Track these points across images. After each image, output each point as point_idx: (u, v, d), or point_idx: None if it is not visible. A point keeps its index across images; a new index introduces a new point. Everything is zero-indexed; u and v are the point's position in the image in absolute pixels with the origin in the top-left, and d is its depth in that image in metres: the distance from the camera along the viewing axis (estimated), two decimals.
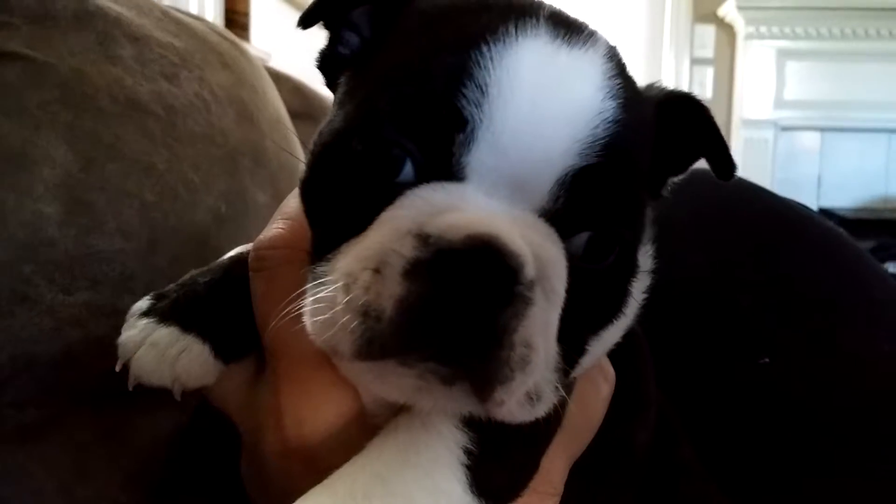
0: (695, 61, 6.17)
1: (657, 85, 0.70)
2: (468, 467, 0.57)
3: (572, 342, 0.58)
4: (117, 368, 0.68)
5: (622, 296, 0.64)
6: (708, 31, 6.17)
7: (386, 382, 0.57)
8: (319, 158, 0.63)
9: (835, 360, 0.98)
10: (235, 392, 0.71)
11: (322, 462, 0.61)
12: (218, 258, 0.83)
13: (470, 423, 0.59)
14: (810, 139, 5.91)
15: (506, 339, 0.50)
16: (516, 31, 0.56)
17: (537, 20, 0.58)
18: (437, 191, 0.54)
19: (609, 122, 0.55)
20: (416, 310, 0.49)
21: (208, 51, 1.17)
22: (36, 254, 0.79)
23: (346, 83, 0.67)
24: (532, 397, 0.55)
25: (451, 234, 0.50)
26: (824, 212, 5.70)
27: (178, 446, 0.88)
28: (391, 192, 0.55)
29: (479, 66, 0.54)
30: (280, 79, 1.64)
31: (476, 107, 0.53)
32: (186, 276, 0.73)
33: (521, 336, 0.51)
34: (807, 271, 1.04)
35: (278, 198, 1.17)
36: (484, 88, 0.53)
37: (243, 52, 1.32)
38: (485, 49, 0.55)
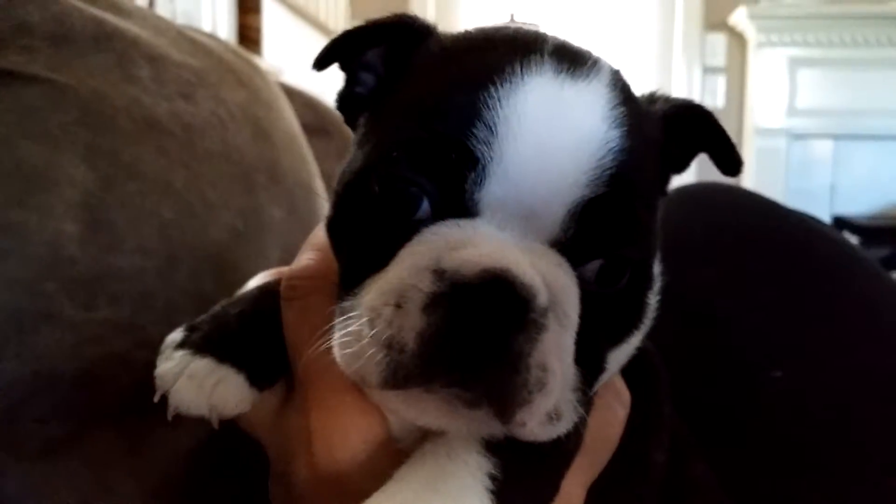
0: (706, 70, 6.17)
1: (660, 95, 0.72)
2: (493, 492, 0.59)
3: (590, 362, 0.61)
4: (156, 399, 0.70)
5: (638, 312, 0.67)
6: (719, 40, 6.16)
7: (414, 408, 0.61)
8: (342, 198, 0.66)
9: (848, 374, 0.98)
10: (265, 417, 0.73)
11: (352, 486, 0.62)
12: (235, 274, 0.84)
13: (493, 449, 0.61)
14: (823, 147, 5.89)
15: (521, 364, 0.53)
16: (521, 69, 0.59)
17: (542, 56, 0.61)
18: (452, 227, 0.57)
19: (614, 152, 0.58)
20: (435, 341, 0.53)
21: (224, 69, 1.19)
22: (57, 272, 0.80)
23: (365, 123, 0.71)
24: (552, 417, 0.57)
25: (466, 269, 0.53)
26: (838, 220, 5.67)
27: (201, 460, 0.89)
28: (409, 229, 0.59)
29: (488, 106, 0.57)
30: (292, 94, 1.66)
31: (486, 146, 0.56)
32: (217, 308, 0.75)
33: (537, 360, 0.54)
34: (818, 286, 1.04)
35: (294, 214, 1.19)
36: (492, 127, 0.56)
37: (258, 71, 1.33)
38: (492, 89, 0.58)
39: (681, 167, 0.75)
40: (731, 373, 1.02)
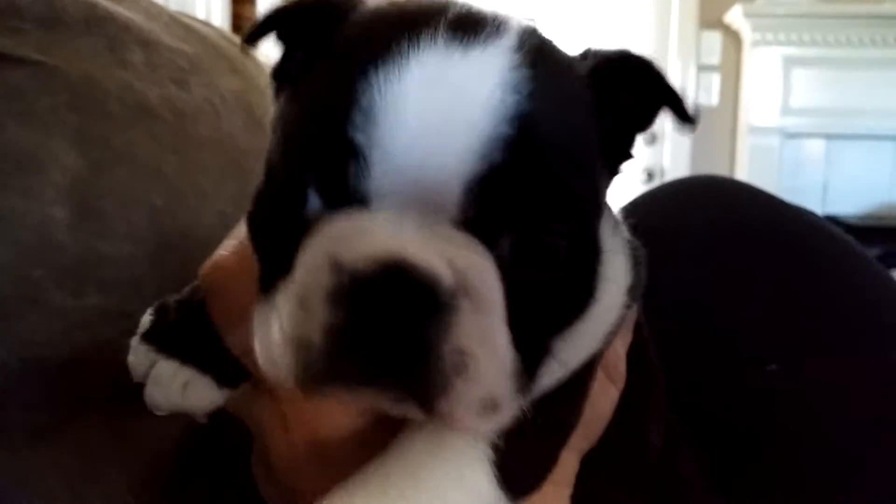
0: (701, 68, 6.17)
1: (594, 50, 0.67)
2: (495, 462, 0.59)
3: (530, 348, 0.57)
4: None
5: (582, 286, 0.62)
6: (714, 38, 6.16)
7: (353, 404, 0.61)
8: (255, 193, 0.64)
9: (844, 369, 0.98)
10: (240, 398, 0.72)
11: (334, 458, 0.61)
12: None
13: None
14: (816, 146, 5.90)
15: (432, 352, 0.50)
16: (410, 48, 0.55)
17: (436, 29, 0.57)
18: (345, 219, 0.54)
19: (514, 118, 0.54)
20: (340, 336, 0.51)
21: (217, 56, 1.18)
22: (45, 258, 0.79)
23: (277, 108, 0.67)
24: (487, 406, 0.54)
25: (360, 262, 0.51)
26: (830, 219, 5.64)
27: (189, 448, 0.88)
28: (302, 226, 0.56)
29: (370, 91, 0.54)
30: None
31: (364, 133, 0.53)
32: (187, 291, 0.74)
33: (451, 345, 0.51)
34: (815, 281, 1.04)
35: None
36: (372, 113, 0.53)
37: (252, 58, 1.32)
38: (374, 71, 0.54)
39: (641, 123, 0.70)
40: (726, 366, 1.02)
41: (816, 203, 5.80)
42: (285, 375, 0.54)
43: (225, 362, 0.69)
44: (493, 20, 0.60)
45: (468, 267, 0.52)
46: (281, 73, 0.70)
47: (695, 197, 1.13)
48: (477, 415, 0.54)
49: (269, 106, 1.26)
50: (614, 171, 0.70)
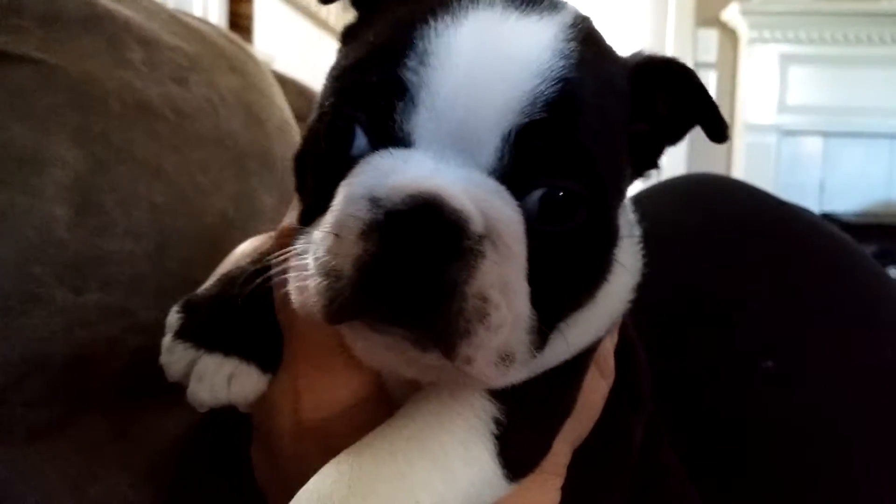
0: (698, 65, 6.16)
1: (644, 51, 0.70)
2: (497, 437, 0.60)
3: (545, 305, 0.58)
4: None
5: (598, 261, 0.64)
6: (711, 36, 6.17)
7: (370, 350, 0.61)
8: (305, 135, 0.66)
9: (839, 366, 0.98)
10: None
11: (337, 442, 0.62)
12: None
13: (497, 395, 0.61)
14: (813, 144, 5.91)
15: (457, 292, 0.52)
16: (469, 2, 0.58)
17: None
18: (387, 157, 0.56)
19: (555, 81, 0.56)
20: (370, 268, 0.52)
21: (216, 54, 1.18)
22: (47, 255, 0.80)
23: (336, 59, 0.70)
24: (504, 357, 0.55)
25: (395, 196, 0.52)
26: (827, 217, 5.68)
27: (189, 445, 0.88)
28: (348, 163, 0.58)
29: (423, 37, 0.56)
30: (285, 81, 1.65)
31: (416, 75, 0.55)
32: (213, 285, 0.73)
33: (474, 289, 0.52)
34: (813, 278, 1.05)
35: (285, 200, 1.18)
36: (424, 56, 0.56)
37: (251, 56, 1.32)
38: (432, 21, 0.57)
39: (674, 135, 0.72)
40: (723, 362, 1.03)
41: (813, 200, 5.81)
42: (315, 305, 0.55)
43: (267, 347, 0.70)
44: (557, 1, 0.64)
45: (497, 215, 0.54)
46: (348, 32, 0.72)
47: (693, 195, 1.13)
48: (493, 364, 0.55)
49: (267, 104, 1.27)
50: (637, 173, 0.72)
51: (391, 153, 0.56)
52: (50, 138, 0.83)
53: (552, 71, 0.56)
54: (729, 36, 6.13)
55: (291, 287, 0.58)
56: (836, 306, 1.03)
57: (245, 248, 0.81)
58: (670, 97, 0.68)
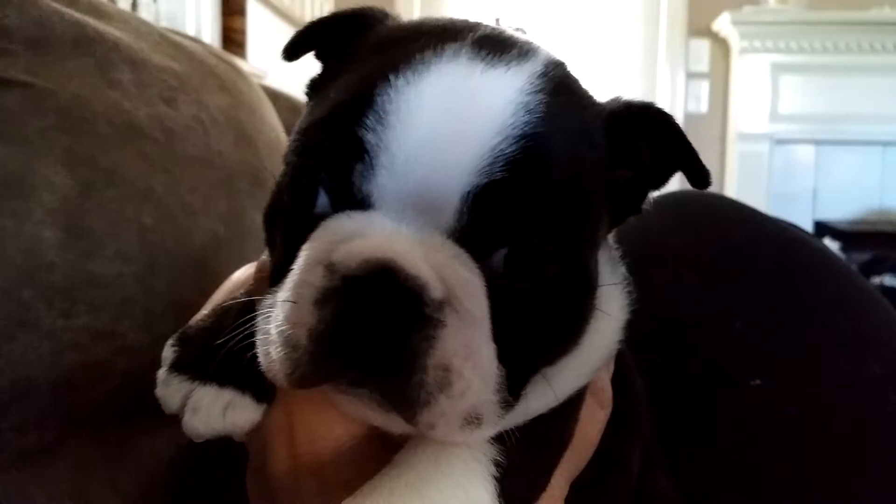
0: (690, 75, 6.19)
1: (621, 98, 0.68)
2: (497, 478, 0.59)
3: (515, 363, 0.58)
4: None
5: (573, 312, 0.63)
6: (703, 46, 6.19)
7: (343, 402, 0.62)
8: (273, 189, 0.65)
9: (827, 382, 0.98)
10: None
11: (332, 478, 0.61)
12: (216, 280, 0.83)
13: (496, 436, 0.60)
14: (805, 152, 5.92)
15: (417, 362, 0.52)
16: (432, 57, 0.57)
17: (462, 43, 0.59)
18: (344, 220, 0.56)
19: (518, 138, 0.55)
20: (325, 337, 0.52)
21: (206, 74, 1.18)
22: (35, 278, 0.79)
23: (303, 114, 0.69)
24: (469, 420, 0.55)
25: (350, 261, 0.52)
26: (819, 224, 5.71)
27: (180, 468, 0.88)
28: (311, 223, 0.57)
29: (384, 95, 0.55)
30: (277, 97, 1.65)
31: (374, 134, 0.54)
32: (207, 316, 0.73)
33: (436, 359, 0.52)
34: (798, 296, 1.05)
35: None
36: (383, 116, 0.55)
37: (241, 75, 1.33)
38: (393, 78, 0.56)
39: (657, 180, 0.71)
40: (709, 380, 1.02)
41: (807, 209, 5.82)
42: (277, 372, 0.55)
43: (263, 378, 0.70)
44: (522, 46, 0.62)
45: (457, 280, 0.53)
46: (315, 85, 0.72)
47: (679, 213, 1.13)
48: (459, 427, 0.55)
49: (257, 123, 1.27)
50: (618, 219, 0.71)
51: (349, 216, 0.56)
52: (38, 161, 0.82)
53: (514, 128, 0.55)
54: (721, 46, 6.16)
55: (259, 350, 0.58)
56: (822, 323, 1.03)
57: (239, 277, 0.81)
58: (651, 144, 0.67)
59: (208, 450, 0.81)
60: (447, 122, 0.55)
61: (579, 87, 0.66)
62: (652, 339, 0.76)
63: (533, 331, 0.59)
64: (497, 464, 0.60)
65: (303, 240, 0.57)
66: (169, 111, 1.03)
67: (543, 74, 0.60)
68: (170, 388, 0.68)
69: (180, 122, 1.04)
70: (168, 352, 0.70)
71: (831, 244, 4.98)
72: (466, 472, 0.59)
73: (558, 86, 0.61)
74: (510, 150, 0.54)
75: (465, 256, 0.55)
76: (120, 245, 0.88)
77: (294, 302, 0.54)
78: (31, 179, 0.81)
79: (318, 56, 0.73)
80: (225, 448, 0.75)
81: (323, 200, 0.58)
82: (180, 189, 0.99)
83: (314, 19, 0.72)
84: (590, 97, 0.67)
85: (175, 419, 0.68)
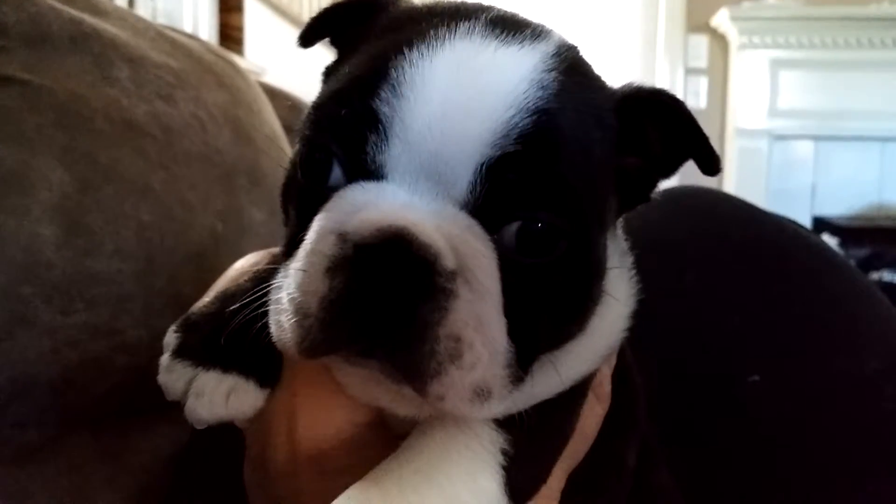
0: (689, 71, 6.19)
1: (634, 84, 0.68)
2: (504, 467, 0.59)
3: (524, 339, 0.58)
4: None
5: (580, 293, 0.63)
6: (701, 42, 6.19)
7: (353, 384, 0.62)
8: (287, 166, 0.66)
9: (824, 378, 0.98)
10: None
11: (331, 464, 0.61)
12: (215, 276, 0.83)
13: (503, 425, 0.61)
14: (804, 148, 5.93)
15: (428, 333, 0.52)
16: (447, 34, 0.58)
17: (475, 21, 0.59)
18: (358, 190, 0.56)
19: (532, 112, 0.55)
20: (336, 305, 0.52)
21: (204, 70, 1.18)
22: (34, 276, 0.79)
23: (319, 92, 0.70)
24: (479, 393, 0.55)
25: (363, 230, 0.52)
26: (818, 220, 5.71)
27: (179, 464, 0.88)
28: (325, 195, 0.57)
29: (398, 69, 0.56)
30: (274, 94, 1.65)
31: (388, 106, 0.55)
32: (210, 302, 0.73)
33: (447, 329, 0.52)
34: (795, 292, 1.05)
35: (274, 216, 1.18)
36: (397, 88, 0.55)
37: (239, 71, 1.32)
38: (408, 52, 0.56)
39: (666, 169, 0.71)
40: (709, 376, 1.03)
41: (805, 204, 5.83)
42: (288, 341, 0.55)
43: (266, 363, 0.69)
44: (536, 27, 0.63)
45: (469, 251, 0.54)
46: (329, 71, 0.72)
47: (678, 209, 1.13)
48: (469, 400, 0.55)
49: (255, 119, 1.27)
50: (628, 207, 0.71)
51: (363, 186, 0.56)
52: (36, 159, 0.82)
53: (528, 102, 0.55)
54: (719, 42, 6.16)
55: (271, 321, 0.58)
56: (820, 319, 1.03)
57: (242, 265, 0.81)
58: (661, 131, 0.67)
59: (207, 446, 0.82)
60: (461, 95, 0.55)
61: (591, 70, 0.66)
62: (650, 334, 0.76)
63: (542, 308, 0.59)
64: (504, 452, 0.60)
65: (316, 212, 0.57)
66: (167, 108, 1.03)
67: (557, 55, 0.60)
68: (173, 374, 0.68)
69: (178, 120, 1.04)
70: (171, 338, 0.70)
71: (830, 240, 4.99)
72: (475, 460, 0.59)
73: (571, 66, 0.61)
74: (523, 123, 0.55)
75: (477, 228, 0.55)
76: (118, 242, 0.88)
77: (305, 271, 0.54)
78: (29, 177, 0.81)
79: (332, 42, 0.73)
80: (224, 444, 0.75)
81: (336, 174, 0.58)
82: (179, 186, 0.99)
83: (328, 5, 0.72)
84: (601, 80, 0.67)
85: (174, 414, 0.68)
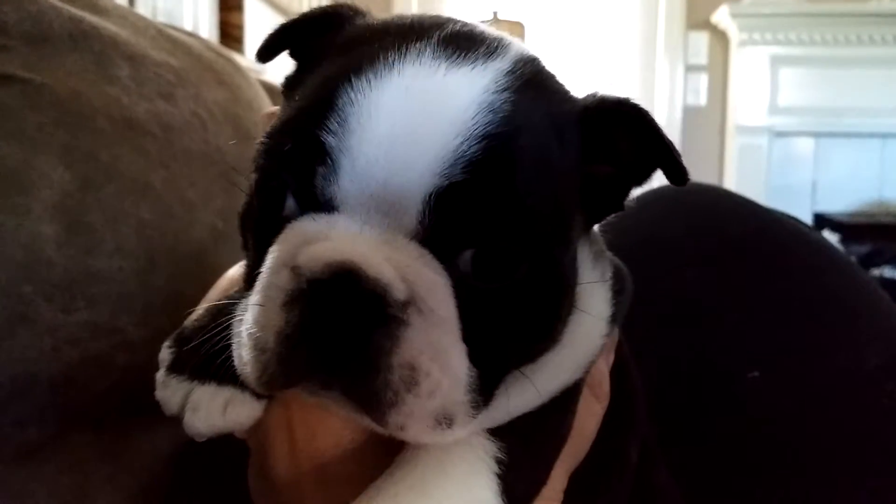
0: (689, 68, 6.18)
1: (598, 94, 0.66)
2: (499, 476, 0.59)
3: (488, 364, 0.57)
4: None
5: (547, 311, 0.62)
6: (701, 38, 6.18)
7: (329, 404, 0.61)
8: (246, 194, 0.65)
9: (824, 375, 0.98)
10: None
11: (333, 474, 0.62)
12: (215, 275, 0.84)
13: (497, 433, 0.61)
14: (805, 145, 5.92)
15: (381, 362, 0.52)
16: (395, 58, 0.56)
17: (427, 42, 0.58)
18: (309, 222, 0.56)
19: (480, 138, 0.54)
20: (292, 339, 0.52)
21: (204, 69, 1.18)
22: (35, 274, 0.79)
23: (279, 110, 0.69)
24: (441, 421, 0.55)
25: (313, 264, 0.52)
26: (819, 217, 5.71)
27: (181, 463, 0.88)
28: (281, 225, 0.57)
29: (345, 97, 0.55)
30: (274, 92, 1.65)
31: (335, 137, 0.54)
32: (202, 315, 0.73)
33: (400, 357, 0.52)
34: (796, 289, 1.05)
35: None
36: (344, 119, 0.54)
37: (238, 69, 1.32)
38: (356, 79, 0.55)
39: (639, 176, 0.68)
40: (708, 373, 1.03)
41: (806, 201, 5.82)
42: (249, 375, 0.55)
43: None
44: (492, 42, 0.61)
45: (420, 281, 0.53)
46: (289, 84, 0.71)
47: (676, 206, 1.13)
48: (430, 428, 0.55)
49: (255, 117, 1.27)
50: (598, 216, 0.70)
51: (314, 218, 0.56)
52: (37, 157, 0.82)
53: (477, 128, 0.54)
54: (719, 38, 6.15)
55: (234, 353, 0.59)
56: (820, 316, 1.03)
57: (233, 275, 0.81)
58: (630, 140, 0.65)
59: (209, 446, 0.82)
60: (408, 124, 0.54)
61: (552, 82, 0.65)
62: (649, 331, 0.76)
63: (505, 331, 0.58)
64: (499, 461, 0.60)
65: (271, 242, 0.57)
66: (167, 107, 1.03)
67: (512, 72, 0.59)
68: (169, 390, 0.69)
69: (179, 118, 1.04)
70: (165, 354, 0.71)
71: (830, 236, 4.99)
72: (470, 472, 0.59)
73: (528, 82, 0.60)
74: (472, 150, 0.53)
75: (429, 257, 0.54)
76: (119, 240, 0.88)
77: (263, 305, 0.54)
78: (30, 175, 0.81)
79: (292, 55, 0.73)
80: (225, 443, 0.75)
81: (291, 203, 0.58)
82: (179, 184, 0.99)
83: (287, 20, 0.71)
84: (563, 93, 0.66)
85: (176, 417, 0.69)
